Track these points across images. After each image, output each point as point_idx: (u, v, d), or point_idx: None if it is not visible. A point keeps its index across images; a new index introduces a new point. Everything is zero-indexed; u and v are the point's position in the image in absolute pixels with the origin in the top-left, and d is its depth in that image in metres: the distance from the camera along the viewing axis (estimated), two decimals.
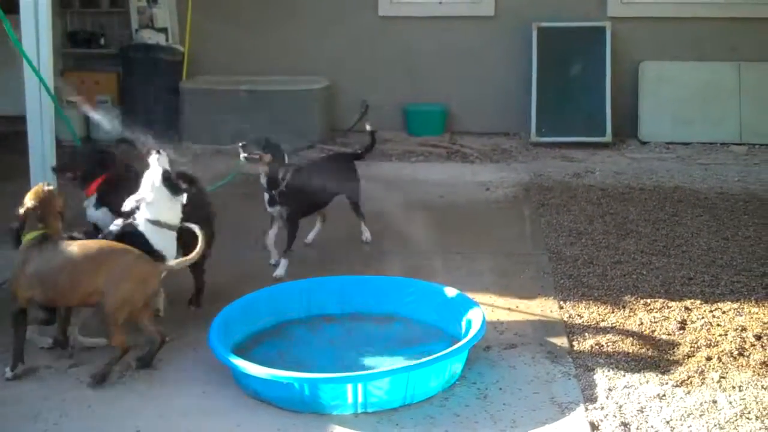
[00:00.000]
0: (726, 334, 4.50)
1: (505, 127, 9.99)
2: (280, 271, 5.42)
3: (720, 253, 5.84)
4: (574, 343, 4.42)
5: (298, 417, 3.71)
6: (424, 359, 3.81)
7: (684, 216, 6.73)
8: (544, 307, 4.92)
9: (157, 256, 4.25)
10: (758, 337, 4.45)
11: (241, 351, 4.13)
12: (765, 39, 9.79)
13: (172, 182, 4.42)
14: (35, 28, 5.69)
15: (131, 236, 4.32)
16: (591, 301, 4.98)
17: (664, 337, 4.48)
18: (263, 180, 5.58)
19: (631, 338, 4.47)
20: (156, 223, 4.37)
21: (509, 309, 4.89)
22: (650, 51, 9.86)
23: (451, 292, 4.60)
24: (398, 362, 4.04)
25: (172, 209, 4.43)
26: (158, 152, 4.50)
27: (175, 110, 9.56)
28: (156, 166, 4.46)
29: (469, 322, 4.23)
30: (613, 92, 9.58)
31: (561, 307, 4.90)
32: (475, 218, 6.83)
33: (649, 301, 4.98)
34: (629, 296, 5.06)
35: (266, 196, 5.61)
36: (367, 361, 4.19)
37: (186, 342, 4.41)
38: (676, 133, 9.52)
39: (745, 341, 4.42)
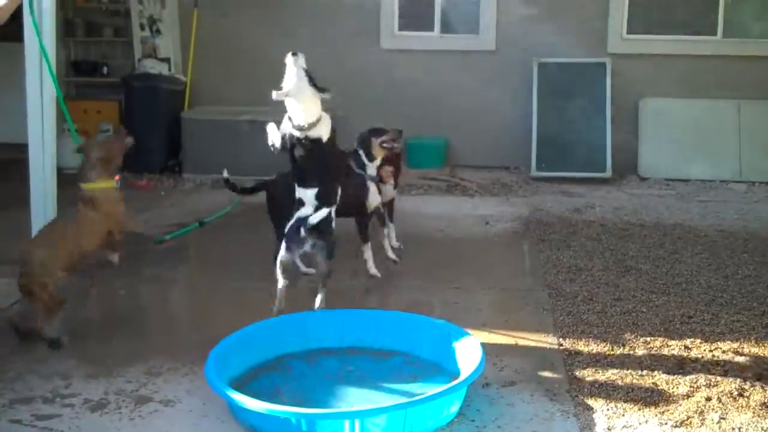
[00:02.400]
0: (726, 374, 4.47)
1: (506, 161, 10.03)
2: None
3: (720, 291, 5.82)
4: (573, 381, 4.38)
5: None
6: (422, 396, 3.78)
7: (684, 253, 6.72)
8: (544, 344, 4.89)
9: None
10: (758, 378, 4.42)
11: (238, 384, 4.09)
12: (764, 77, 9.87)
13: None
14: (39, 57, 5.72)
15: None
16: (590, 339, 4.96)
17: (663, 376, 4.45)
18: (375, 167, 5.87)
19: (630, 377, 4.43)
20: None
21: (508, 345, 4.86)
22: (650, 87, 9.94)
23: (450, 327, 4.57)
24: (396, 398, 4.01)
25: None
26: (294, 54, 4.61)
27: (176, 140, 9.60)
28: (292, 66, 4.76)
29: (468, 359, 4.20)
30: (613, 128, 9.65)
31: (560, 345, 4.88)
32: (475, 253, 6.82)
33: (648, 339, 4.96)
34: (629, 334, 5.04)
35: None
36: (365, 396, 4.15)
37: (182, 372, 4.38)
38: (676, 169, 9.57)
39: (745, 381, 4.38)
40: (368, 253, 5.91)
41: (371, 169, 5.89)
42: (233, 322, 4.71)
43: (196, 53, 10.03)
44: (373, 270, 5.90)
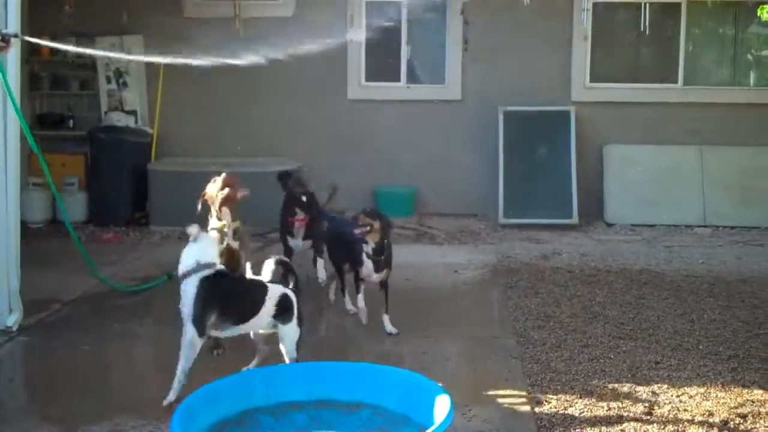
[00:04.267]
0: (693, 420, 4.49)
1: (474, 208, 10.09)
2: (392, 329, 5.78)
3: (686, 336, 5.86)
4: (542, 429, 4.37)
5: None
6: None
7: (650, 299, 6.77)
8: (512, 393, 4.88)
9: None
10: (725, 423, 4.44)
11: None
12: (725, 123, 10.07)
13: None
14: (3, 110, 5.70)
15: None
16: (559, 386, 4.96)
17: (632, 422, 4.45)
18: (369, 249, 5.78)
19: (599, 424, 4.43)
20: None
21: (477, 395, 4.84)
22: (614, 134, 10.09)
23: (418, 378, 4.54)
24: None
25: None
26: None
27: (143, 192, 9.55)
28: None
29: (436, 410, 4.17)
30: (578, 175, 9.75)
31: (529, 393, 4.87)
32: (443, 301, 6.82)
33: (616, 385, 4.97)
34: (597, 381, 5.04)
35: (370, 265, 5.82)
36: None
37: (147, 429, 4.31)
38: (641, 215, 9.67)
39: (712, 426, 4.40)
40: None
41: None
42: (200, 377, 4.66)
43: (163, 105, 10.03)
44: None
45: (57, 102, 10.50)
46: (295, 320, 4.80)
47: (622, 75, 10.42)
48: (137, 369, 5.55)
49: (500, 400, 4.78)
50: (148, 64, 10.02)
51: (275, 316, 4.77)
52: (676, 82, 10.25)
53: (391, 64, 10.45)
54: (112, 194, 9.53)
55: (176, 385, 4.55)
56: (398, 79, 10.42)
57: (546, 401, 4.75)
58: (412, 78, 10.50)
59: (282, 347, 4.79)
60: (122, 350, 5.72)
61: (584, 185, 9.77)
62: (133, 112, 10.05)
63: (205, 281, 4.62)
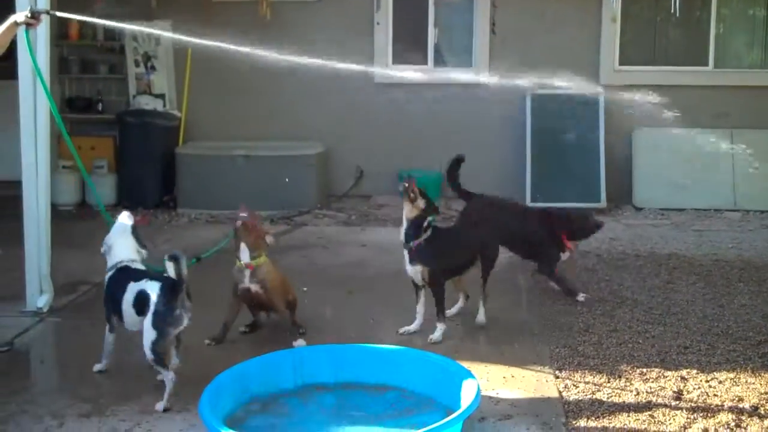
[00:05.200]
0: (722, 405, 4.45)
1: (501, 192, 9.97)
2: (437, 335, 5.39)
3: (716, 321, 5.81)
4: (570, 413, 4.36)
5: None
6: (418, 431, 3.75)
7: (679, 283, 6.72)
8: (540, 377, 4.87)
9: None
10: (755, 408, 4.40)
11: (233, 421, 4.06)
12: (756, 106, 9.94)
13: None
14: (33, 93, 5.74)
15: None
16: (587, 371, 4.94)
17: (660, 407, 4.42)
18: (403, 229, 5.52)
19: (627, 409, 4.41)
20: None
21: (504, 378, 4.84)
22: (643, 118, 9.96)
23: (445, 361, 4.55)
24: None
25: None
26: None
27: (171, 175, 9.60)
28: None
29: (463, 392, 4.18)
30: (607, 158, 9.67)
31: (556, 377, 4.85)
32: (470, 285, 6.78)
33: (645, 370, 4.94)
34: (625, 365, 5.02)
35: (405, 254, 5.51)
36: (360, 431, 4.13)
37: (175, 410, 4.34)
38: (671, 199, 9.58)
39: (742, 412, 4.37)
40: None
41: None
42: (227, 359, 4.70)
43: (191, 89, 10.06)
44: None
45: (86, 86, 10.55)
46: (149, 318, 4.42)
47: (651, 58, 10.29)
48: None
49: (528, 384, 4.77)
50: (177, 48, 10.05)
51: (139, 314, 4.52)
52: (706, 64, 10.12)
53: (418, 47, 10.39)
54: (141, 177, 9.59)
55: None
56: (425, 62, 10.36)
57: (574, 385, 4.73)
58: (439, 61, 10.44)
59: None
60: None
61: (613, 169, 9.69)
62: (161, 96, 10.07)
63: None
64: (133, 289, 4.56)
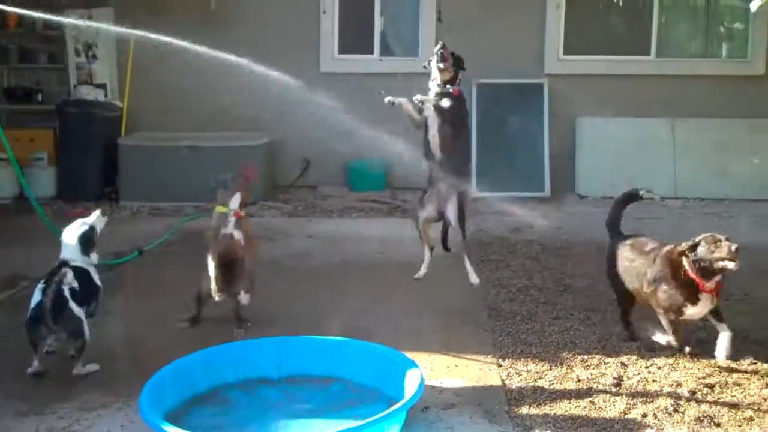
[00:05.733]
0: (661, 390, 4.53)
1: None
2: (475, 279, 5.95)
3: None
4: (512, 401, 4.40)
5: None
6: (361, 422, 3.75)
7: None
8: (483, 365, 4.90)
9: None
10: (693, 393, 4.49)
11: (175, 416, 4.01)
12: (696, 95, 10.10)
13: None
14: None
15: None
16: (529, 358, 4.98)
17: (601, 394, 4.48)
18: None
19: (568, 396, 4.46)
20: None
21: (448, 368, 4.86)
22: (586, 107, 10.09)
23: (389, 351, 4.55)
24: (336, 425, 3.96)
25: None
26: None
27: (113, 167, 9.46)
28: None
29: (407, 383, 4.19)
30: (551, 148, 9.77)
31: (500, 365, 4.89)
32: (415, 274, 6.81)
33: (586, 357, 5.00)
34: (567, 353, 5.07)
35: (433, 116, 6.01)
36: (304, 424, 4.12)
37: (116, 407, 4.28)
38: (613, 187, 9.62)
39: (680, 397, 4.44)
40: None
41: None
42: (170, 354, 4.64)
43: (133, 79, 9.91)
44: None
45: (25, 75, 10.34)
46: None
47: (595, 47, 10.40)
48: (106, 345, 5.50)
49: (471, 373, 4.79)
50: (119, 37, 9.89)
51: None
52: (648, 54, 10.27)
53: (365, 36, 10.37)
54: (82, 169, 9.44)
55: None
56: (372, 52, 10.35)
57: (516, 373, 4.77)
58: (386, 50, 10.44)
59: None
60: (91, 326, 5.66)
61: (557, 158, 9.79)
62: (102, 86, 9.92)
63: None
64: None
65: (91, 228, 4.93)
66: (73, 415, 4.18)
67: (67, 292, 4.53)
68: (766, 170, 9.81)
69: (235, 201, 5.29)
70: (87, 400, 4.33)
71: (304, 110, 10.09)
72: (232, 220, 5.28)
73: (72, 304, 4.53)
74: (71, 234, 4.86)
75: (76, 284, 4.61)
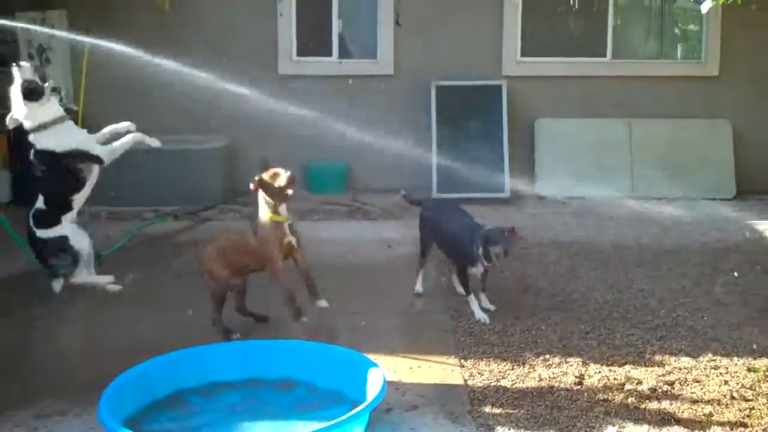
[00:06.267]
0: (622, 388, 4.57)
1: (407, 184, 10.01)
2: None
3: (615, 306, 5.96)
4: (475, 402, 4.40)
5: None
6: (323, 425, 3.73)
7: (580, 270, 6.87)
8: (446, 366, 4.90)
9: None
10: (653, 390, 4.53)
11: (134, 422, 3.96)
12: (652, 96, 10.23)
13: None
14: None
15: None
16: (491, 359, 5.00)
17: (562, 392, 4.51)
18: None
19: (530, 395, 4.48)
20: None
21: (411, 369, 4.86)
22: (544, 108, 10.17)
23: (351, 354, 4.53)
24: (298, 429, 3.95)
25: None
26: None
27: None
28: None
29: (369, 385, 4.17)
30: (510, 149, 9.81)
31: (462, 366, 4.90)
32: (377, 277, 6.81)
33: (548, 356, 5.03)
34: (528, 352, 5.10)
35: None
36: (267, 428, 4.08)
37: (74, 413, 4.22)
38: (572, 188, 9.77)
39: (641, 394, 4.49)
40: None
41: None
42: (129, 359, 4.58)
43: (88, 82, 9.76)
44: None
45: None
46: None
47: (552, 49, 10.47)
48: (65, 351, 5.42)
49: (434, 374, 4.80)
50: (73, 40, 9.75)
51: None
52: (604, 55, 10.36)
53: (323, 39, 10.34)
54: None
55: None
56: (330, 54, 10.32)
57: (479, 373, 4.78)
58: (344, 53, 10.42)
59: None
60: (48, 332, 5.58)
61: (516, 159, 9.83)
62: (57, 89, 9.73)
63: None
64: None
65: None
66: (30, 423, 4.10)
67: None
68: (722, 170, 9.96)
69: (284, 209, 5.28)
70: (44, 407, 4.26)
71: (263, 112, 10.04)
72: (287, 227, 5.28)
73: None
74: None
75: None
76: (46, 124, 6.12)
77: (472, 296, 5.79)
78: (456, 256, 5.93)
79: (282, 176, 5.20)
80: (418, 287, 6.26)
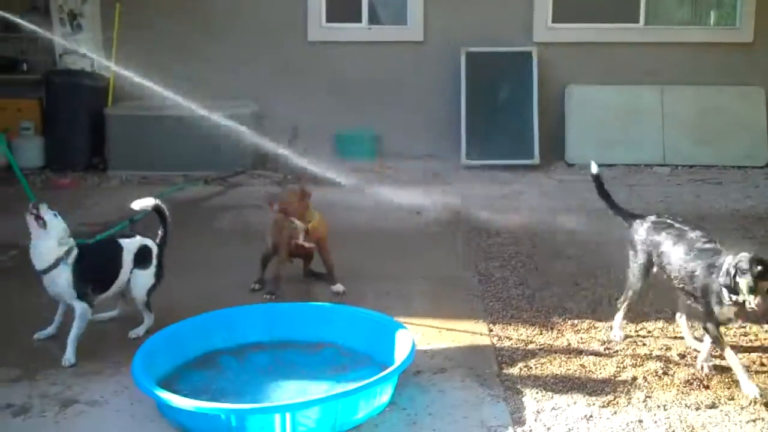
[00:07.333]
0: (651, 354, 4.57)
1: (436, 150, 10.06)
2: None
3: None
4: (503, 365, 4.42)
5: None
6: (352, 387, 3.77)
7: (609, 237, 6.81)
8: (474, 330, 4.92)
9: None
10: (682, 356, 4.53)
11: (167, 382, 4.03)
12: (685, 63, 10.10)
13: None
14: None
15: None
16: (520, 323, 5.01)
17: (590, 357, 4.52)
18: None
19: (558, 360, 4.49)
20: None
21: (439, 333, 4.88)
22: (575, 75, 10.08)
23: (380, 317, 4.57)
24: (327, 390, 3.99)
25: None
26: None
27: (100, 137, 9.39)
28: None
29: (398, 348, 4.21)
30: (540, 116, 9.75)
31: (490, 330, 4.91)
32: (406, 242, 6.83)
33: (576, 322, 5.03)
34: (557, 318, 5.10)
35: None
36: (296, 389, 4.13)
37: (108, 373, 4.29)
38: (602, 155, 9.64)
39: (669, 360, 4.48)
40: None
41: None
42: (159, 322, 4.66)
43: (119, 48, 9.81)
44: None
45: (10, 45, 10.21)
46: (152, 268, 4.89)
47: (584, 15, 10.36)
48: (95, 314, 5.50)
49: (462, 338, 4.82)
50: (104, 6, 9.81)
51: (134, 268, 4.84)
52: (637, 21, 10.24)
53: (353, 5, 10.30)
54: (69, 139, 9.38)
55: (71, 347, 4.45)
56: (360, 20, 10.28)
57: (507, 337, 4.80)
58: (374, 19, 10.37)
59: (133, 292, 4.83)
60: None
61: (546, 126, 9.78)
62: (88, 56, 9.82)
63: (75, 261, 4.58)
64: (132, 245, 4.91)
65: None
66: (66, 381, 4.18)
67: None
68: (754, 137, 9.84)
69: (299, 223, 5.52)
70: (80, 367, 4.34)
71: (293, 79, 10.06)
72: (301, 233, 5.52)
73: None
74: None
75: None
76: None
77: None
78: None
79: (299, 229, 5.51)
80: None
